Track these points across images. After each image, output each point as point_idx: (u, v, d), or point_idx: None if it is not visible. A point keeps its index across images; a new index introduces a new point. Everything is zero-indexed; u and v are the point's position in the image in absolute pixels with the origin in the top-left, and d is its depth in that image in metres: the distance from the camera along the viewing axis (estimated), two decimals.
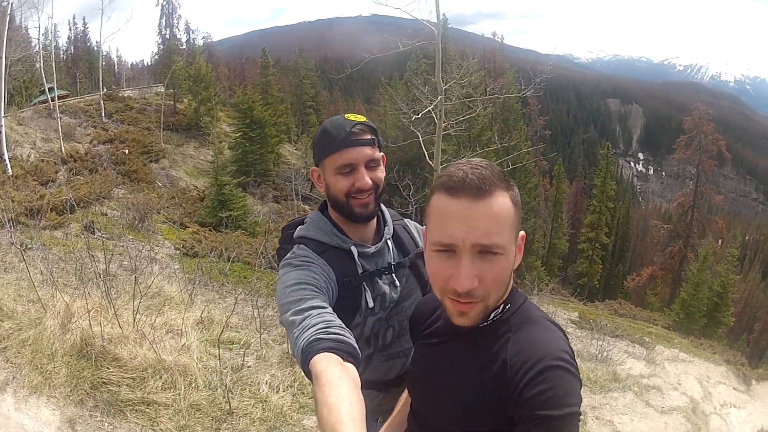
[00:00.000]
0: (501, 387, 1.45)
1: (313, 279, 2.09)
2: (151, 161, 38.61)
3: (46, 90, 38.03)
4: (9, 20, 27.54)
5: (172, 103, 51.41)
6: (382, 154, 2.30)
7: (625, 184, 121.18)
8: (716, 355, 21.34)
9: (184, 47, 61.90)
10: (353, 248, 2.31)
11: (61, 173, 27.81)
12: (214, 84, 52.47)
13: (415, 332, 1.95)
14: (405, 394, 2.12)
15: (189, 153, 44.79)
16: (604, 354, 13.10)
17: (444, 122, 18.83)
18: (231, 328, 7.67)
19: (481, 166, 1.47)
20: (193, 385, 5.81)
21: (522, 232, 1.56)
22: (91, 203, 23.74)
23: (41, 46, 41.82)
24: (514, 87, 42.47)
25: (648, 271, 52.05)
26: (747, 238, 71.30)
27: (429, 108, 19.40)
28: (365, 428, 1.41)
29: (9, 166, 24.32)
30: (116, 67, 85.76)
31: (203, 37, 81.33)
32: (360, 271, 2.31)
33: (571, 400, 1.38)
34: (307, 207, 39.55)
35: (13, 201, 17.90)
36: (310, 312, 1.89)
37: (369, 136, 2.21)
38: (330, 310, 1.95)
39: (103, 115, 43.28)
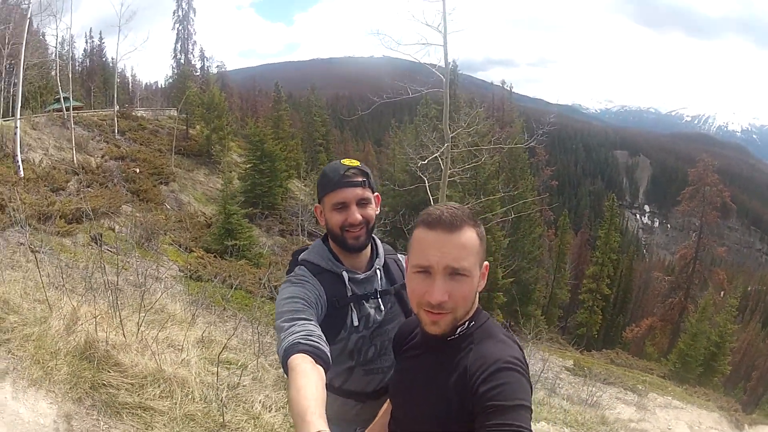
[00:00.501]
0: (463, 392, 1.71)
1: (305, 295, 2.44)
2: (161, 183, 38.86)
3: (61, 99, 38.55)
4: (27, 24, 27.98)
5: (184, 128, 52.06)
6: (376, 194, 2.68)
7: (630, 236, 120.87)
8: (710, 402, 21.51)
9: (198, 74, 62.89)
10: (344, 273, 2.65)
11: (72, 183, 28.09)
12: (227, 113, 52.99)
13: (397, 348, 2.22)
14: (386, 404, 2.39)
15: (199, 179, 45.12)
16: (594, 399, 13.23)
17: (450, 169, 19.07)
18: (230, 349, 7.86)
19: (455, 208, 1.82)
20: (190, 396, 5.99)
21: (486, 263, 1.89)
22: (100, 216, 24.01)
23: (57, 55, 42.50)
24: (520, 137, 42.95)
25: (647, 322, 51.68)
26: (749, 288, 70.66)
27: (436, 155, 19.78)
28: (324, 408, 1.77)
29: (21, 169, 24.70)
30: (130, 85, 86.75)
31: (217, 66, 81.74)
32: (349, 293, 2.64)
33: (521, 395, 1.62)
34: (310, 243, 39.47)
35: (24, 203, 18.18)
36: (297, 321, 2.23)
37: (360, 179, 2.58)
38: (314, 322, 2.29)
39: (116, 131, 43.73)
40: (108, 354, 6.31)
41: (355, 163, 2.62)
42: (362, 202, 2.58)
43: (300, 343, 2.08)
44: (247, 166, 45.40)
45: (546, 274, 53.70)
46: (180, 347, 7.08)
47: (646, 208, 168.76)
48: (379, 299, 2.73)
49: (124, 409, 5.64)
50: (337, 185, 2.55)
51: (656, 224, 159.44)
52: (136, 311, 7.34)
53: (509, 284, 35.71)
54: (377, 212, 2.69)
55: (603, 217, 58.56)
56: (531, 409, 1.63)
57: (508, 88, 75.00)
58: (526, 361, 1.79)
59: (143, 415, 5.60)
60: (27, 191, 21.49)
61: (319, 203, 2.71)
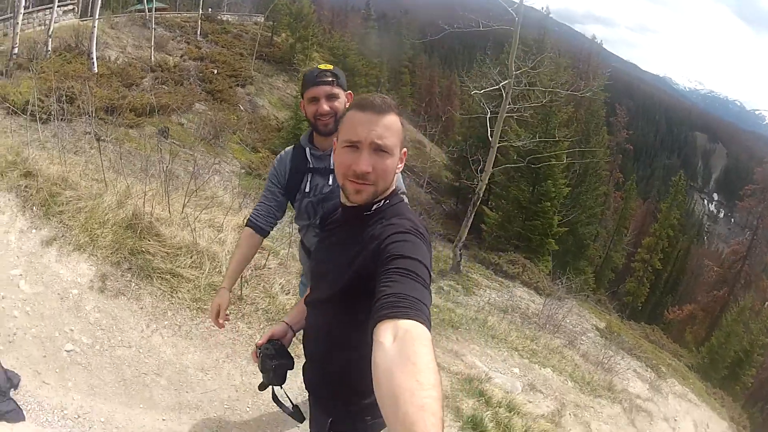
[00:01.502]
0: (370, 253, 1.92)
1: (273, 172, 3.54)
2: (237, 85, 39.11)
3: (144, 0, 38.83)
4: None
5: (269, 34, 51.67)
6: (348, 92, 3.33)
7: (694, 219, 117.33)
8: (724, 409, 21.00)
9: None
10: (307, 149, 3.42)
11: (147, 80, 28.78)
12: (314, 25, 52.13)
13: (323, 222, 2.49)
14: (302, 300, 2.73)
15: (277, 85, 44.79)
16: (610, 364, 13.19)
17: (510, 104, 19.03)
18: (267, 238, 8.35)
19: (383, 98, 2.06)
20: (217, 269, 6.53)
21: (405, 149, 2.14)
22: (170, 112, 24.69)
23: None
24: (600, 93, 41.88)
25: (689, 308, 51.41)
26: None
27: (494, 87, 20.00)
28: (239, 269, 3.48)
29: (96, 65, 25.29)
30: None
31: None
32: (308, 165, 3.42)
33: (419, 254, 1.81)
34: None
35: (94, 96, 18.57)
36: (262, 200, 3.57)
37: (330, 79, 3.22)
38: (271, 198, 3.55)
39: (199, 33, 43.92)
40: (151, 225, 6.87)
41: (329, 67, 3.27)
42: (331, 97, 3.22)
43: (250, 219, 3.52)
44: None
45: (606, 234, 52.73)
46: (219, 227, 7.61)
47: (715, 196, 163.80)
48: (330, 175, 3.34)
49: (155, 273, 6.22)
50: (311, 83, 3.22)
51: (721, 214, 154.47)
52: (185, 194, 7.87)
53: (564, 234, 35.00)
54: (347, 106, 3.14)
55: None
56: (429, 269, 1.81)
57: (599, 43, 72.75)
58: (427, 232, 2.04)
59: (171, 280, 6.20)
60: (99, 86, 22.07)
61: (302, 98, 3.36)
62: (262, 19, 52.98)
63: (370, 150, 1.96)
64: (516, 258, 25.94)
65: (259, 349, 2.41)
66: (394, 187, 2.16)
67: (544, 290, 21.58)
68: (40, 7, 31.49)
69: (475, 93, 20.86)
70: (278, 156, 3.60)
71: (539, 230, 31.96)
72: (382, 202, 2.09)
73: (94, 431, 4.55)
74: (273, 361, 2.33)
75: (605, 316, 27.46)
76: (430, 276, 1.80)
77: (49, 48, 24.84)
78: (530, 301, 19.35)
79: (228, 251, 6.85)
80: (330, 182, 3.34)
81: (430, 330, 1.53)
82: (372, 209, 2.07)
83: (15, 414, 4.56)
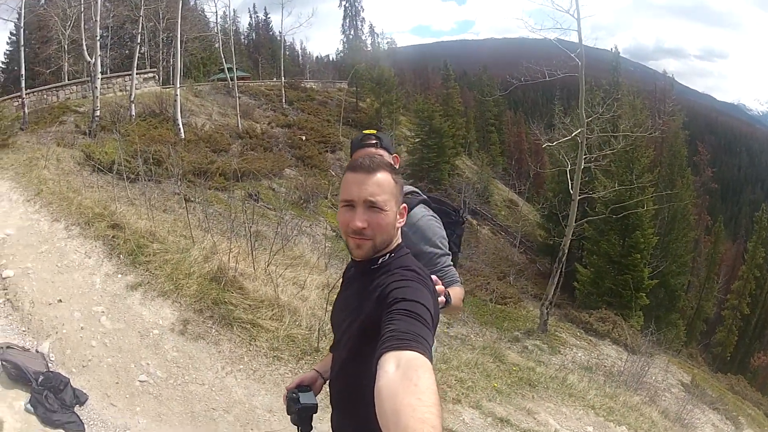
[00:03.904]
0: (374, 304, 1.99)
1: None
2: (327, 151, 39.46)
3: (225, 69, 39.75)
4: (182, 1, 29.90)
5: (354, 100, 52.36)
6: (394, 155, 3.38)
7: None
8: None
9: (369, 49, 63.65)
10: None
11: (235, 146, 29.65)
12: (396, 89, 53.09)
13: (343, 277, 2.57)
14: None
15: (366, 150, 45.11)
16: (688, 420, 12.80)
17: (586, 154, 18.74)
18: None
19: (374, 157, 2.20)
20: (297, 322, 6.79)
21: (404, 204, 2.22)
22: (260, 177, 25.38)
23: (219, 29, 43.83)
24: (680, 131, 40.61)
25: None
26: None
27: (567, 138, 19.62)
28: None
29: (182, 131, 26.27)
30: (300, 58, 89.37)
31: (387, 42, 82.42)
32: None
33: (422, 298, 1.89)
34: (474, 221, 39.79)
35: (182, 160, 19.40)
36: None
37: (373, 141, 3.31)
38: None
39: (284, 101, 44.08)
40: (235, 279, 7.27)
41: (373, 132, 3.39)
42: None
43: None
44: (416, 140, 45.72)
45: (698, 283, 49.90)
46: (302, 285, 7.90)
47: None
48: None
49: (236, 322, 6.54)
50: (357, 146, 3.34)
51: None
52: (273, 253, 8.22)
53: (655, 286, 33.71)
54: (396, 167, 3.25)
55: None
56: (431, 312, 1.87)
57: (670, 78, 70.54)
58: (431, 281, 2.15)
59: (251, 330, 6.50)
60: (187, 150, 22.92)
61: None
62: (346, 85, 53.81)
63: (364, 207, 2.08)
64: (606, 315, 25.01)
65: (288, 393, 2.52)
66: (399, 241, 2.26)
67: (633, 347, 21.08)
68: (119, 73, 32.96)
69: (547, 146, 20.78)
70: None
71: (630, 285, 30.46)
72: (387, 256, 2.19)
73: None
74: (296, 405, 2.43)
75: (692, 369, 26.52)
76: (433, 318, 1.89)
77: (133, 112, 25.87)
78: (617, 359, 18.81)
79: (310, 307, 7.15)
80: None
81: (431, 362, 1.59)
82: (378, 263, 2.18)
83: (75, 426, 5.04)
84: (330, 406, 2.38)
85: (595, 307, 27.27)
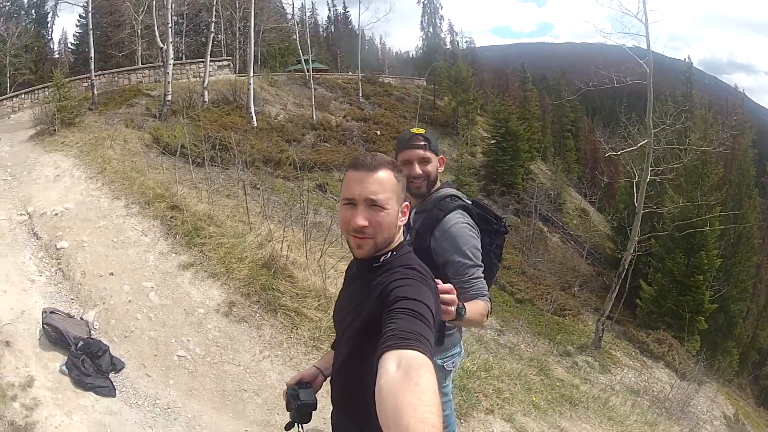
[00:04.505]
0: (375, 302, 2.00)
1: None
2: None
3: (302, 60, 39.72)
4: None
5: (431, 98, 52.21)
6: (440, 156, 3.32)
7: None
8: None
9: (448, 47, 63.72)
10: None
11: (308, 137, 29.88)
12: (474, 88, 51.94)
13: (346, 275, 2.55)
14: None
15: (442, 149, 43.46)
16: None
17: (652, 167, 18.20)
18: None
19: (376, 155, 2.17)
20: None
21: (406, 202, 2.20)
22: (332, 169, 25.51)
23: (296, 21, 44.73)
24: (749, 149, 39.17)
25: None
26: None
27: (633, 148, 19.23)
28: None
29: (254, 119, 26.55)
30: (380, 53, 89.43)
31: (466, 41, 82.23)
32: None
33: (424, 297, 1.89)
34: (544, 228, 39.33)
35: (252, 147, 19.53)
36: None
37: (422, 142, 3.21)
38: None
39: (361, 95, 44.17)
40: (285, 267, 7.37)
41: (421, 131, 3.28)
42: (423, 161, 3.22)
43: None
44: (491, 142, 44.73)
45: (756, 311, 46.13)
46: None
47: None
48: (408, 233, 3.27)
49: (281, 309, 6.66)
50: (404, 146, 3.23)
51: None
52: (328, 244, 8.27)
53: (715, 310, 32.48)
54: (441, 170, 3.31)
55: None
56: (432, 310, 1.87)
57: (741, 93, 68.42)
58: (433, 278, 2.13)
59: (295, 318, 6.60)
60: (258, 139, 23.24)
61: (396, 160, 3.12)
62: (424, 82, 53.98)
63: (365, 205, 2.07)
64: (664, 337, 24.18)
65: (288, 389, 2.53)
66: (401, 240, 2.25)
67: (683, 372, 20.51)
68: (194, 60, 34.05)
69: (611, 155, 20.37)
70: None
71: (690, 307, 29.03)
72: (389, 254, 2.17)
73: (178, 423, 5.05)
74: (296, 402, 2.44)
75: (738, 402, 25.67)
76: (434, 317, 1.88)
77: (206, 99, 26.58)
78: (667, 384, 18.38)
79: None
80: (408, 237, 3.24)
81: (432, 361, 1.58)
82: (380, 261, 2.16)
83: (106, 390, 5.29)
84: (331, 403, 2.40)
85: (654, 327, 26.37)
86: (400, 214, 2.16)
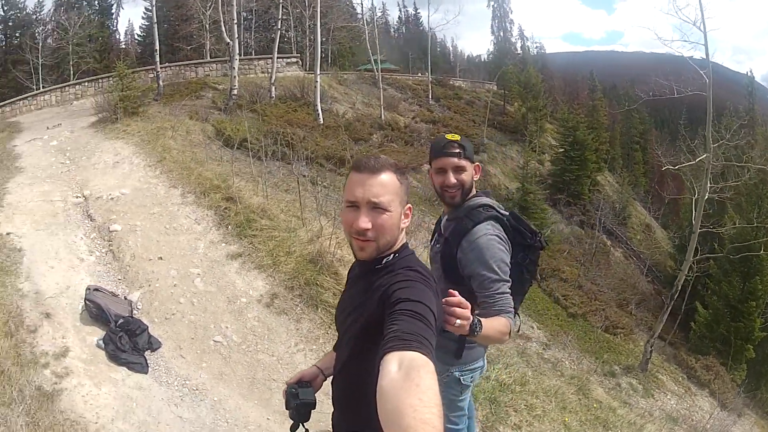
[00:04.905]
0: (376, 303, 2.02)
1: None
2: None
3: (372, 60, 39.61)
4: None
5: (501, 103, 51.50)
6: (476, 164, 3.23)
7: None
8: None
9: (518, 52, 63.26)
10: (443, 217, 3.42)
11: (375, 136, 29.95)
12: (544, 95, 51.11)
13: (348, 276, 2.57)
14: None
15: (510, 155, 44.17)
16: None
17: (711, 184, 17.61)
18: None
19: (378, 157, 2.18)
20: None
21: (409, 204, 2.23)
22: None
23: (365, 21, 44.94)
24: None
25: None
26: None
27: (690, 163, 18.57)
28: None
29: (321, 116, 26.73)
30: (451, 56, 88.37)
31: (536, 46, 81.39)
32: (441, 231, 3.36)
33: (425, 299, 1.91)
34: (608, 241, 38.57)
35: (317, 144, 20.07)
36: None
37: (457, 150, 3.12)
38: None
39: (430, 97, 43.93)
40: (331, 264, 7.54)
41: (457, 138, 3.16)
42: (458, 169, 3.13)
43: None
44: (559, 150, 43.82)
45: None
46: None
47: None
48: (435, 236, 3.44)
49: (322, 304, 6.83)
50: (439, 154, 3.15)
51: None
52: None
53: (764, 339, 31.11)
54: (476, 178, 3.25)
55: None
56: (434, 312, 1.89)
57: None
58: (434, 281, 2.12)
59: (333, 312, 6.60)
60: (324, 136, 23.35)
61: (430, 167, 3.30)
62: (495, 86, 53.43)
63: (368, 208, 2.08)
64: (712, 363, 23.38)
65: (287, 387, 2.56)
66: (404, 242, 2.26)
67: (723, 401, 19.92)
68: (262, 56, 34.70)
69: (668, 168, 19.85)
70: None
71: (741, 334, 27.72)
72: (392, 256, 2.18)
73: (204, 404, 5.24)
74: (295, 401, 2.48)
75: (761, 421, 24.84)
76: (436, 319, 1.89)
77: (273, 94, 27.00)
78: (708, 413, 18.01)
79: None
80: (436, 244, 3.40)
81: (433, 363, 1.60)
82: (382, 263, 2.17)
83: (140, 367, 5.57)
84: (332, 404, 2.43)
85: (705, 352, 25.45)
86: (402, 217, 2.17)
